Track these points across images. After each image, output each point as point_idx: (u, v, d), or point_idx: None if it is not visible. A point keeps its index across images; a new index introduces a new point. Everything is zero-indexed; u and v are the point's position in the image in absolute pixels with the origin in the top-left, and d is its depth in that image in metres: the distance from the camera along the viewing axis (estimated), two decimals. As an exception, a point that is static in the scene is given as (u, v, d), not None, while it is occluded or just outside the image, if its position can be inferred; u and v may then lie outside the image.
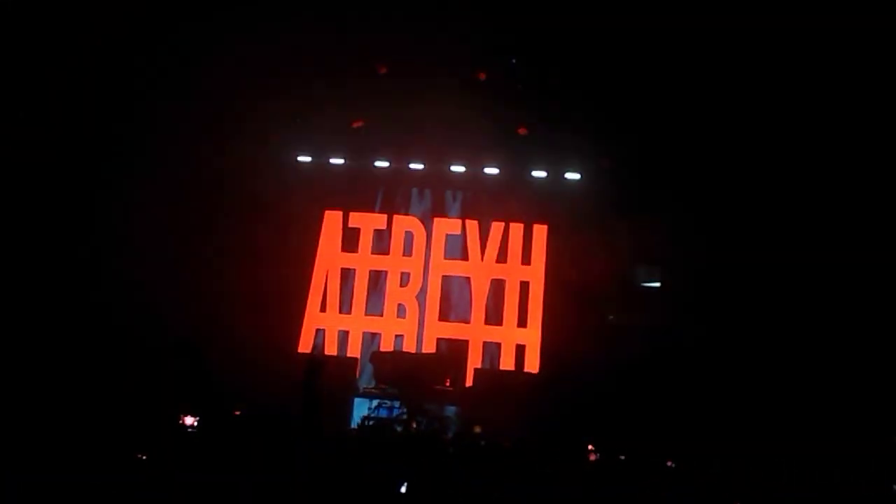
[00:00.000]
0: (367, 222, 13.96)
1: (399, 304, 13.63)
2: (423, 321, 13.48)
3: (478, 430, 10.83)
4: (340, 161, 13.91)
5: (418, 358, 12.67)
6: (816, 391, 10.13)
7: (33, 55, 10.95)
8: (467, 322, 13.48)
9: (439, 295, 13.60)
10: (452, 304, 13.61)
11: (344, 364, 12.45)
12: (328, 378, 8.46)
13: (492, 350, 13.33)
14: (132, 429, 5.33)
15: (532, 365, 13.06)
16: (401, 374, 11.75)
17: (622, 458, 7.56)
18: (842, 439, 8.45)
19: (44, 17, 10.79)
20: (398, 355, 12.68)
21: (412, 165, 13.87)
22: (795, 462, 7.55)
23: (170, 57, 10.94)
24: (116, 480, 4.07)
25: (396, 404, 11.28)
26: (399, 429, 9.81)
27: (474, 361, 13.11)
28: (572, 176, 13.50)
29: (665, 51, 11.18)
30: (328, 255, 13.82)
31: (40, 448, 4.31)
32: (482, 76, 13.05)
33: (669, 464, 7.53)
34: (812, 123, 10.99)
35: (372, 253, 13.86)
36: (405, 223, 13.96)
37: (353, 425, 10.88)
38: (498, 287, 13.57)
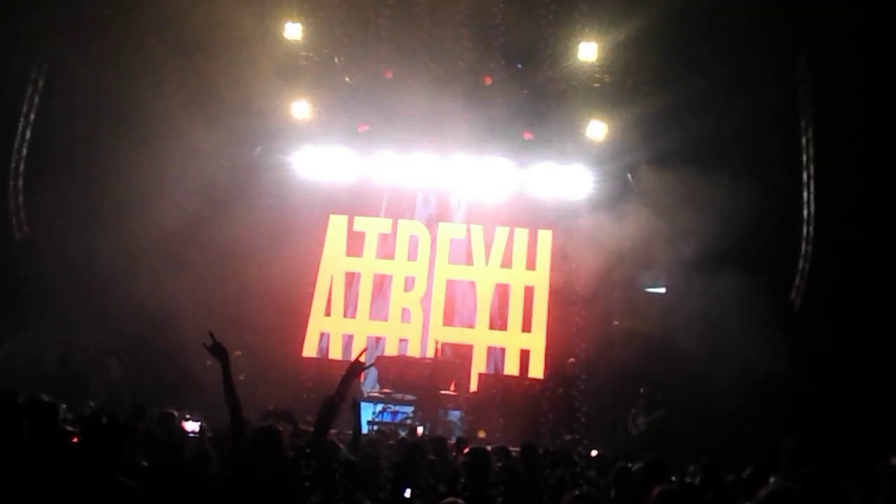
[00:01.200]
0: (372, 226, 13.97)
1: (404, 309, 13.62)
2: (428, 325, 13.47)
3: (482, 434, 10.81)
4: (346, 165, 13.90)
5: (423, 362, 12.63)
6: (822, 394, 10.09)
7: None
8: (472, 327, 13.47)
9: (444, 299, 13.60)
10: (457, 308, 13.60)
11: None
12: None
13: (496, 355, 13.32)
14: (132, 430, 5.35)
15: (536, 370, 13.03)
16: (405, 378, 11.72)
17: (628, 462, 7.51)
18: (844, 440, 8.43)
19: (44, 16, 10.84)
20: (403, 360, 12.65)
21: (418, 170, 13.84)
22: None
23: (174, 59, 10.94)
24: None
25: (401, 409, 11.25)
26: (403, 433, 9.77)
27: (479, 366, 13.09)
28: (578, 182, 13.46)
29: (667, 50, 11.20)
30: (333, 259, 13.82)
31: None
32: (488, 80, 13.05)
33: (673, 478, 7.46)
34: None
35: (377, 257, 13.87)
36: (410, 227, 13.95)
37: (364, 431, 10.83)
38: (503, 292, 13.56)
